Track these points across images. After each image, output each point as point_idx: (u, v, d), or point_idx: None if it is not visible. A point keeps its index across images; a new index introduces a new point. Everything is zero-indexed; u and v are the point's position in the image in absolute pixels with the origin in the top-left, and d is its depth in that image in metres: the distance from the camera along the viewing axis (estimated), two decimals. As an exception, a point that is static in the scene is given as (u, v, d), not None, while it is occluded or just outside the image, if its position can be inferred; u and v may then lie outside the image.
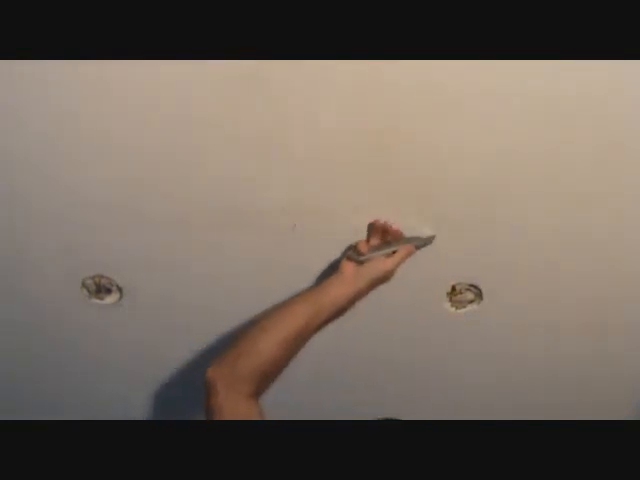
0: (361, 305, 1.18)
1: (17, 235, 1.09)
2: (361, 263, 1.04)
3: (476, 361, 1.29)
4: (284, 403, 1.33)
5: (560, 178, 1.01)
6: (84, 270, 1.14)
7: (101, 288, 1.17)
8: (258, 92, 0.92)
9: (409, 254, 1.05)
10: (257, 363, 0.93)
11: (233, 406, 0.89)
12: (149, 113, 0.95)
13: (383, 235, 1.05)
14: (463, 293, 1.17)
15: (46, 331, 1.24)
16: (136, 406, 1.38)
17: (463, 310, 1.19)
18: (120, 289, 1.16)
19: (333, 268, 1.12)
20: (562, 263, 1.12)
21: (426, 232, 1.07)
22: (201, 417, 1.32)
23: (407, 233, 1.06)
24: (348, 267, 1.03)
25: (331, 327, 1.20)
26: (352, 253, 1.05)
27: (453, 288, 1.16)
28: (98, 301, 1.18)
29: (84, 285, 1.16)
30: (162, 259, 1.12)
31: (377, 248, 1.05)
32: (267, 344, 0.94)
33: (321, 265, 1.13)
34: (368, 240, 1.06)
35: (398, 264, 1.04)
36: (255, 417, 0.90)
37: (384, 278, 1.04)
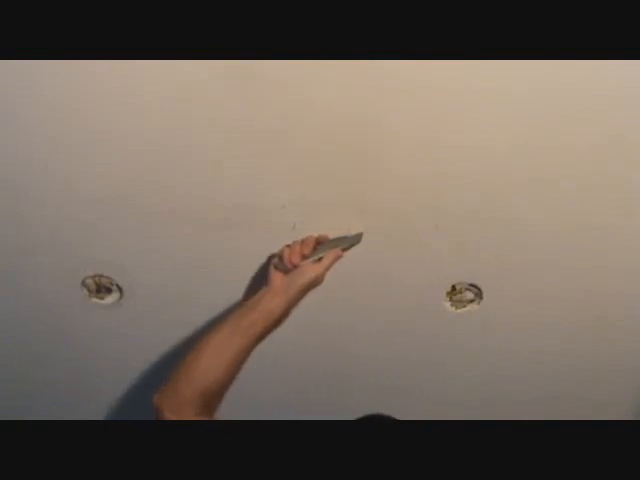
0: (361, 305, 1.19)
1: (17, 235, 1.09)
2: (289, 271, 1.02)
3: (476, 360, 1.29)
4: (284, 403, 1.34)
5: (560, 178, 1.02)
6: (84, 269, 1.14)
7: (101, 288, 1.17)
8: (258, 92, 0.92)
9: (337, 258, 1.03)
10: (197, 386, 0.94)
11: None
12: (149, 113, 0.95)
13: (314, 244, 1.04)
14: (463, 293, 1.17)
15: (46, 330, 1.24)
16: (136, 406, 1.38)
17: (463, 310, 1.19)
18: (120, 289, 1.16)
19: (334, 268, 1.12)
20: (562, 262, 1.12)
21: (354, 230, 1.05)
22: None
23: (406, 232, 1.06)
24: (276, 277, 1.02)
25: (331, 327, 1.21)
26: (280, 263, 1.03)
27: (453, 288, 1.16)
28: (98, 301, 1.18)
29: (84, 285, 1.16)
30: (162, 259, 1.12)
31: (308, 255, 1.03)
32: (205, 367, 0.95)
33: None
34: (293, 247, 1.03)
35: (327, 268, 1.02)
36: None
37: (314, 284, 1.02)
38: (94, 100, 0.93)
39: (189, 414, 0.92)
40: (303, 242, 1.03)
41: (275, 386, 1.30)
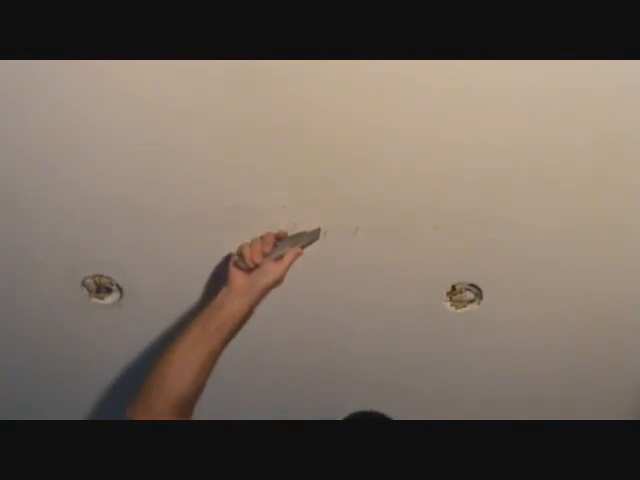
0: (361, 304, 1.19)
1: (17, 235, 1.09)
2: (250, 270, 1.01)
3: (476, 360, 1.29)
4: (283, 403, 1.34)
5: (560, 178, 1.02)
6: (84, 269, 1.14)
7: (101, 288, 1.17)
8: (258, 92, 0.92)
9: (297, 255, 1.02)
10: (168, 397, 0.94)
11: None
12: (149, 113, 0.95)
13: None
14: (463, 293, 1.17)
15: (46, 330, 1.24)
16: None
17: (463, 310, 1.19)
18: (120, 289, 1.16)
19: (334, 267, 1.12)
20: (562, 262, 1.12)
21: (312, 226, 1.05)
22: (201, 417, 1.32)
23: (406, 232, 1.06)
24: (237, 277, 1.01)
25: (331, 326, 1.21)
26: (240, 261, 1.01)
27: (453, 288, 1.16)
28: (98, 301, 1.18)
29: (84, 285, 1.16)
30: (162, 259, 1.12)
31: (268, 253, 1.01)
32: (174, 377, 0.95)
33: (321, 264, 1.12)
34: (253, 245, 1.02)
35: (288, 267, 1.01)
36: None
37: (276, 283, 1.01)
38: (94, 100, 0.93)
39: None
40: (263, 239, 1.02)
41: (275, 386, 1.30)
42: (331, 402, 1.35)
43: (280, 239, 1.03)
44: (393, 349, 1.26)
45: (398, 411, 1.19)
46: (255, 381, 1.29)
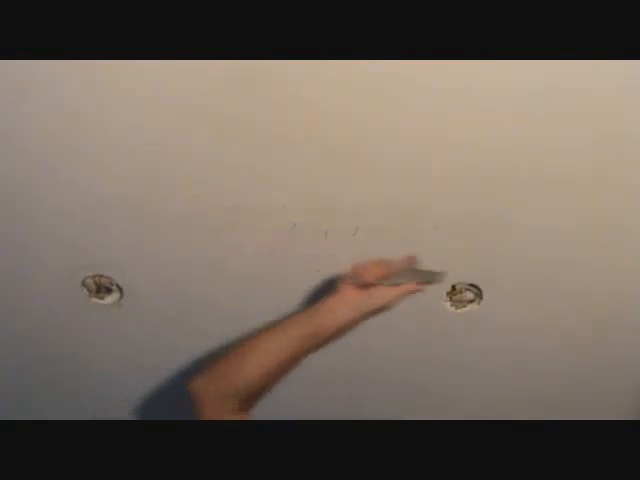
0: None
1: (17, 234, 1.09)
2: (362, 288, 0.99)
3: (476, 360, 1.28)
4: (283, 403, 1.33)
5: (560, 178, 1.02)
6: (84, 269, 1.14)
7: (101, 288, 1.17)
8: (258, 92, 0.92)
9: (413, 291, 1.00)
10: (245, 382, 0.92)
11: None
12: (149, 113, 0.95)
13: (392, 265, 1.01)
14: (463, 293, 1.17)
15: (46, 330, 1.24)
16: (136, 406, 1.38)
17: (463, 310, 1.19)
18: (120, 289, 1.16)
19: (334, 267, 1.12)
20: (562, 262, 1.12)
21: (438, 269, 1.03)
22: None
23: (406, 232, 1.06)
24: (348, 291, 0.99)
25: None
26: (353, 277, 1.00)
27: (453, 288, 1.16)
28: (98, 301, 1.18)
29: (84, 285, 1.16)
30: (162, 259, 1.12)
31: (384, 277, 1.00)
32: (256, 366, 0.93)
33: (321, 264, 1.13)
34: (368, 267, 1.00)
35: (401, 297, 1.00)
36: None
37: (384, 308, 1.00)
38: (94, 100, 0.93)
39: (228, 408, 0.90)
40: (380, 263, 1.00)
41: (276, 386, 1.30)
42: (331, 402, 1.35)
43: (404, 268, 1.00)
44: (393, 349, 1.26)
45: (398, 411, 1.19)
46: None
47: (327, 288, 1.07)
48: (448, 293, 1.17)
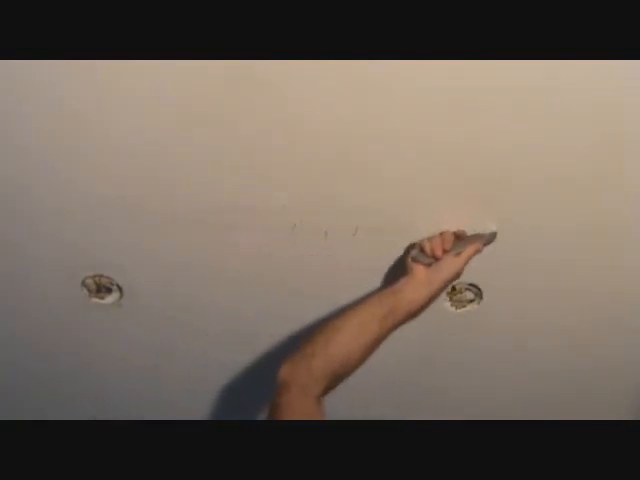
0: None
1: (17, 234, 1.09)
2: (430, 264, 1.02)
3: (476, 360, 1.29)
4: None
5: (560, 178, 1.01)
6: (84, 269, 1.14)
7: (101, 288, 1.17)
8: (258, 92, 0.92)
9: (477, 252, 1.03)
10: (331, 365, 0.93)
11: (304, 406, 0.90)
12: (149, 113, 0.95)
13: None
14: (463, 293, 1.17)
15: (46, 330, 1.24)
16: (136, 406, 1.38)
17: (463, 310, 1.19)
18: (120, 289, 1.16)
19: (335, 266, 1.12)
20: (562, 262, 1.12)
21: (489, 228, 1.06)
22: (200, 416, 1.32)
23: (406, 232, 1.06)
24: (419, 269, 1.02)
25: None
26: (419, 255, 1.03)
27: (453, 288, 1.16)
28: (98, 301, 1.18)
29: (84, 285, 1.16)
30: (162, 259, 1.12)
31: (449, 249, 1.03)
32: (341, 346, 0.95)
33: (321, 264, 1.13)
34: (434, 241, 1.03)
35: (466, 262, 1.03)
36: (320, 417, 0.91)
37: (454, 278, 1.03)
38: (94, 100, 0.93)
39: (314, 392, 0.91)
40: (442, 236, 1.03)
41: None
42: (331, 402, 1.35)
43: (459, 238, 1.04)
44: (393, 349, 1.26)
45: (398, 410, 1.19)
46: (254, 382, 1.29)
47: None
48: (448, 293, 1.17)
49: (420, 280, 1.01)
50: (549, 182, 1.02)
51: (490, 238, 1.06)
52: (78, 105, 0.94)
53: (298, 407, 0.89)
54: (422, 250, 1.03)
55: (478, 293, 1.17)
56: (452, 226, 1.07)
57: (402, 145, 0.98)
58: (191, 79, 0.91)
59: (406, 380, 1.32)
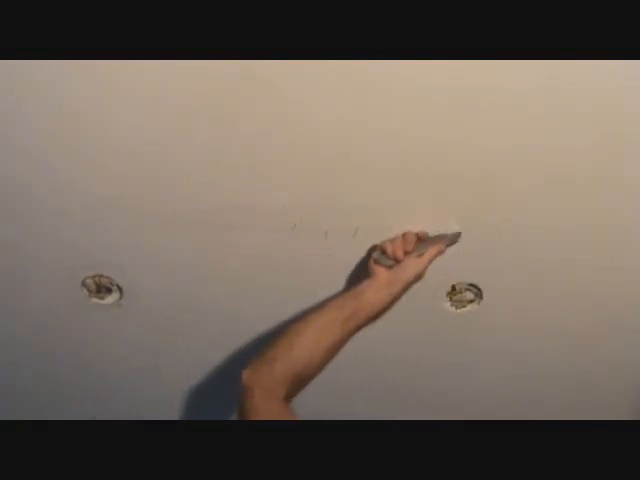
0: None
1: (17, 235, 1.09)
2: (392, 266, 1.03)
3: (476, 361, 1.29)
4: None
5: (560, 178, 1.01)
6: (84, 269, 1.14)
7: (101, 288, 1.17)
8: (258, 92, 0.92)
9: (439, 253, 1.04)
10: (293, 368, 0.94)
11: (268, 408, 0.91)
12: (149, 113, 0.95)
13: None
14: (463, 293, 1.17)
15: (46, 330, 1.24)
16: (136, 406, 1.38)
17: (463, 310, 1.19)
18: (120, 289, 1.16)
19: (334, 267, 1.12)
20: (562, 262, 1.12)
21: (453, 229, 1.06)
22: (200, 416, 1.32)
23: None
24: (380, 271, 1.03)
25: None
26: (381, 257, 1.03)
27: (453, 288, 1.16)
28: (98, 301, 1.18)
29: (84, 285, 1.16)
30: (162, 259, 1.12)
31: (410, 251, 1.03)
32: (303, 349, 0.95)
33: (321, 264, 1.13)
34: (395, 243, 1.03)
35: (428, 263, 1.03)
36: (289, 418, 0.92)
37: (416, 279, 1.03)
38: (94, 100, 0.93)
39: (278, 394, 0.92)
40: (405, 238, 1.03)
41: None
42: (331, 402, 1.35)
43: (421, 239, 1.04)
44: (393, 349, 1.26)
45: (398, 411, 1.19)
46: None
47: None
48: (448, 293, 1.17)
49: (381, 282, 1.02)
50: (549, 182, 1.02)
51: (453, 238, 1.06)
52: (78, 105, 0.94)
53: (263, 410, 0.90)
54: (384, 252, 1.04)
55: (478, 293, 1.17)
56: (452, 226, 1.07)
57: (402, 145, 0.98)
58: (191, 79, 0.91)
59: (406, 380, 1.32)
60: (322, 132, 0.97)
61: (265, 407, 0.90)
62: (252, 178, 1.02)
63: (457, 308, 1.19)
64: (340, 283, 1.15)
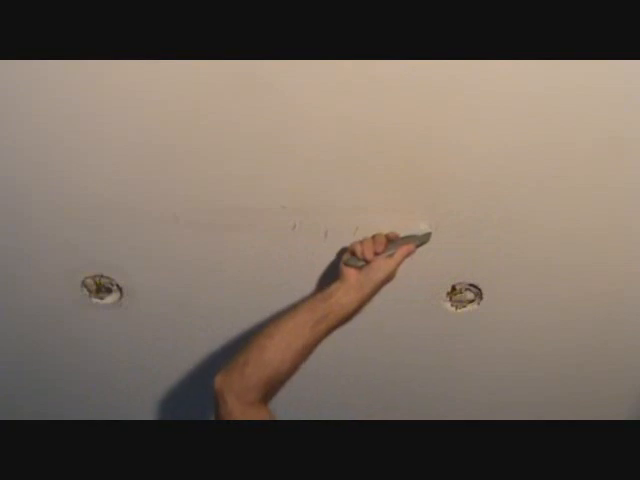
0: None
1: (17, 235, 1.09)
2: (361, 267, 1.02)
3: (476, 361, 1.29)
4: (285, 403, 1.33)
5: (560, 178, 1.01)
6: (84, 269, 1.14)
7: (101, 288, 1.17)
8: (258, 92, 0.92)
9: (409, 253, 1.03)
10: (264, 372, 0.93)
11: (242, 414, 0.91)
12: (149, 113, 0.95)
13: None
14: (463, 293, 1.17)
15: (46, 330, 1.24)
16: (135, 406, 1.38)
17: (463, 310, 1.19)
18: (120, 289, 1.16)
19: (334, 267, 1.12)
20: (562, 262, 1.12)
21: (423, 229, 1.06)
22: (200, 417, 1.32)
23: (406, 231, 1.06)
24: (350, 273, 1.02)
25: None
26: (351, 259, 1.03)
27: (453, 288, 1.16)
28: (98, 301, 1.18)
29: (84, 285, 1.16)
30: (162, 259, 1.12)
31: (380, 251, 1.02)
32: (274, 353, 0.95)
33: (321, 264, 1.13)
34: (365, 244, 1.03)
35: (399, 264, 1.03)
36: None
37: (387, 280, 1.03)
38: (94, 100, 0.93)
39: (251, 399, 0.91)
40: (374, 239, 1.03)
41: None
42: (331, 402, 1.35)
43: (391, 240, 1.04)
44: (393, 349, 1.26)
45: (398, 411, 1.19)
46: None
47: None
48: (448, 293, 1.17)
49: (351, 284, 1.01)
50: (549, 182, 1.02)
51: (424, 239, 1.05)
52: (78, 105, 0.94)
53: (239, 415, 0.90)
54: (353, 253, 1.03)
55: (478, 293, 1.17)
56: (452, 226, 1.07)
57: (402, 145, 0.98)
58: (191, 79, 0.91)
59: (406, 380, 1.32)
60: (322, 132, 0.97)
61: (239, 411, 0.90)
62: (252, 178, 1.02)
63: (457, 308, 1.19)
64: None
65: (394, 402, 1.36)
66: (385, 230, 1.06)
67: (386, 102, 0.93)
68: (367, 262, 1.02)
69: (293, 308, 1.02)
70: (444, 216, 1.06)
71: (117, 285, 1.16)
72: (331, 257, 1.11)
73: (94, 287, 1.17)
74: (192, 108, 0.94)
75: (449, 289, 1.16)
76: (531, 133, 0.96)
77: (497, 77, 0.90)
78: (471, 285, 1.16)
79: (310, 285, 1.15)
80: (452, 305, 1.19)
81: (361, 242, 1.03)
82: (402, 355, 1.27)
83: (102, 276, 1.15)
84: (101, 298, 1.18)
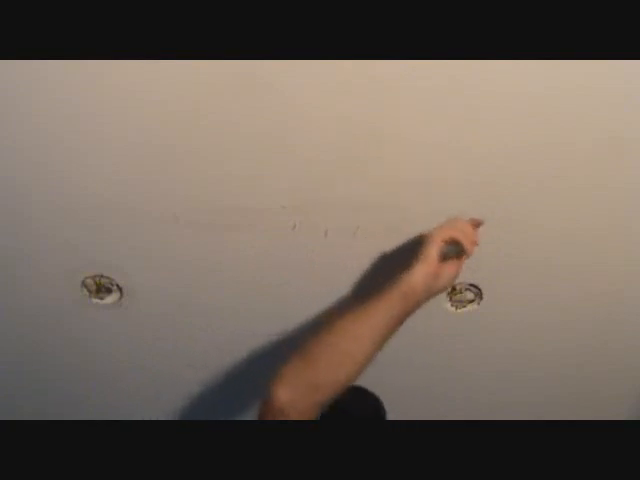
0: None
1: (17, 235, 1.09)
2: (444, 260, 0.94)
3: (476, 361, 1.28)
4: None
5: (560, 178, 1.01)
6: (84, 269, 1.14)
7: (101, 288, 1.17)
8: (258, 92, 0.92)
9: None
10: (335, 391, 0.86)
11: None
12: (149, 113, 0.95)
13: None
14: (463, 293, 1.17)
15: (46, 330, 1.24)
16: (136, 406, 1.38)
17: (463, 310, 1.19)
18: (120, 289, 1.16)
19: (335, 267, 1.12)
20: (562, 262, 1.12)
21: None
22: (200, 417, 1.32)
23: (406, 232, 1.06)
24: (452, 269, 0.94)
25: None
26: (451, 250, 0.93)
27: (453, 288, 1.16)
28: (98, 301, 1.18)
29: (84, 285, 1.16)
30: (162, 259, 1.12)
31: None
32: (347, 369, 0.87)
33: (321, 264, 1.13)
34: (467, 232, 0.94)
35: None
36: None
37: (445, 289, 0.97)
38: (94, 100, 0.93)
39: (314, 415, 0.85)
40: (473, 227, 0.95)
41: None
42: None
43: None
44: (393, 349, 1.26)
45: (398, 411, 1.19)
46: (258, 382, 1.29)
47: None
48: (448, 293, 1.17)
49: (449, 281, 0.94)
50: (549, 182, 1.02)
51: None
52: (78, 105, 0.94)
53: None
54: (457, 243, 0.93)
55: (478, 293, 1.17)
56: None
57: (402, 145, 0.98)
58: (191, 79, 0.91)
59: (405, 380, 1.32)
60: (322, 132, 0.97)
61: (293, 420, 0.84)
62: (252, 178, 1.02)
63: (457, 308, 1.19)
64: (340, 283, 1.15)
65: (393, 402, 1.36)
66: (385, 230, 1.06)
67: (386, 102, 0.93)
68: (467, 255, 0.93)
69: (361, 308, 0.92)
70: (444, 216, 1.06)
71: (117, 285, 1.16)
72: (331, 257, 1.11)
73: (94, 287, 1.17)
74: (192, 108, 0.94)
75: (449, 289, 1.16)
76: (531, 133, 0.96)
77: (497, 77, 0.91)
78: (471, 285, 1.16)
79: (310, 285, 1.15)
80: (452, 305, 1.19)
81: (462, 229, 0.93)
82: (402, 355, 1.27)
83: (102, 276, 1.15)
84: (101, 298, 1.18)
